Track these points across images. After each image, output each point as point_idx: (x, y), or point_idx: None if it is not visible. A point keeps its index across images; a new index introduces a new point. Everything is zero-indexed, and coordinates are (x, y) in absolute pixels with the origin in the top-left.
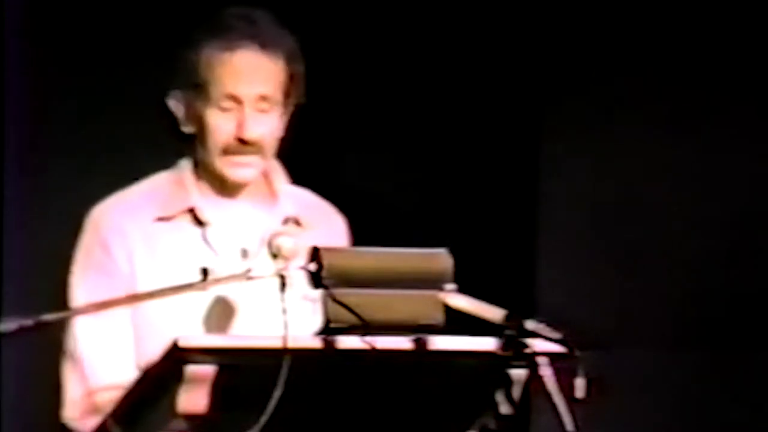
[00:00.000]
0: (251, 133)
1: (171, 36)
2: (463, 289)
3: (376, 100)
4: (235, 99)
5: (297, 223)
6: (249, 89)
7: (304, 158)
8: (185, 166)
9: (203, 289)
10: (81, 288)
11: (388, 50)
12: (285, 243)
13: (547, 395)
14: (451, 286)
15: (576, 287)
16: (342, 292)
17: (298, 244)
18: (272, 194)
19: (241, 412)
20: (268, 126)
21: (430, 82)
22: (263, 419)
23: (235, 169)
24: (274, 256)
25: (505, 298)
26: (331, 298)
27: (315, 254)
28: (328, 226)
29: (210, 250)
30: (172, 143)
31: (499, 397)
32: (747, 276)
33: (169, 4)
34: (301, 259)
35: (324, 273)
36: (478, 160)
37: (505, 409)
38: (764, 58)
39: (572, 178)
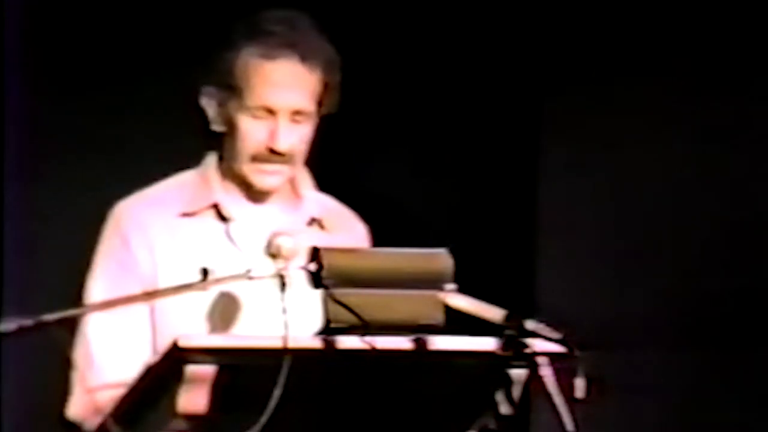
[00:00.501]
0: (283, 145)
1: (173, 38)
2: (463, 289)
3: (374, 101)
4: (270, 110)
5: (321, 226)
6: (284, 102)
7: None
8: (210, 162)
9: (203, 289)
10: (98, 282)
11: (386, 52)
12: (285, 243)
13: (547, 395)
14: (451, 286)
15: (576, 287)
16: (342, 292)
17: (298, 244)
18: (297, 197)
19: (241, 412)
20: (299, 136)
21: (429, 82)
22: (263, 419)
23: (263, 176)
24: (274, 256)
25: (505, 298)
26: (331, 298)
27: (315, 254)
28: (350, 231)
29: (233, 246)
30: (174, 143)
31: (499, 397)
32: (747, 276)
33: (171, 6)
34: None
35: (324, 273)
36: (478, 160)
37: (505, 409)
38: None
39: (572, 179)
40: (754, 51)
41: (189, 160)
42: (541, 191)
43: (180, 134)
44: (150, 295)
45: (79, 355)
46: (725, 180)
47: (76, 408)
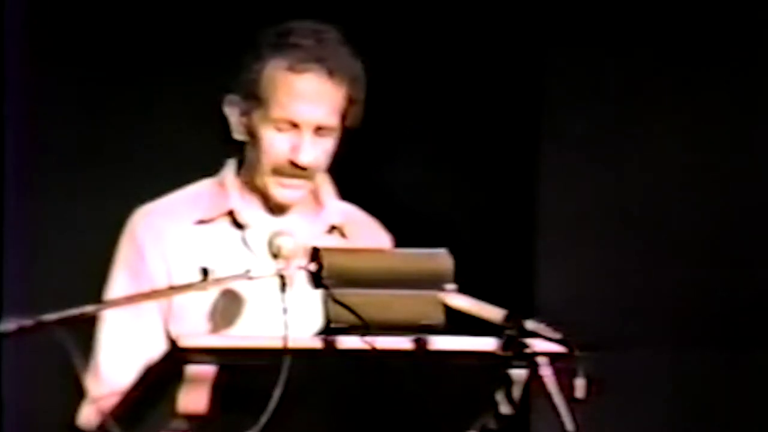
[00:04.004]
0: (306, 159)
1: (182, 44)
2: (463, 289)
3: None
4: (294, 124)
5: (342, 234)
6: (309, 116)
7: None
8: (229, 170)
9: (203, 289)
10: (114, 291)
11: (382, 51)
12: (285, 243)
13: (547, 395)
14: (451, 286)
15: (576, 287)
16: (342, 292)
17: (298, 244)
18: (318, 205)
19: (241, 412)
20: (322, 150)
21: (427, 80)
22: (263, 419)
23: (283, 189)
24: (275, 256)
25: (505, 298)
26: (331, 298)
27: (315, 254)
28: (373, 239)
29: (249, 253)
30: (178, 152)
31: (499, 397)
32: (748, 276)
33: (173, 8)
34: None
35: (324, 273)
36: (478, 160)
37: (505, 409)
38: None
39: (572, 178)
40: (761, 33)
41: (196, 169)
42: (541, 191)
43: (185, 143)
44: (148, 296)
45: (91, 361)
46: (727, 179)
47: (86, 414)
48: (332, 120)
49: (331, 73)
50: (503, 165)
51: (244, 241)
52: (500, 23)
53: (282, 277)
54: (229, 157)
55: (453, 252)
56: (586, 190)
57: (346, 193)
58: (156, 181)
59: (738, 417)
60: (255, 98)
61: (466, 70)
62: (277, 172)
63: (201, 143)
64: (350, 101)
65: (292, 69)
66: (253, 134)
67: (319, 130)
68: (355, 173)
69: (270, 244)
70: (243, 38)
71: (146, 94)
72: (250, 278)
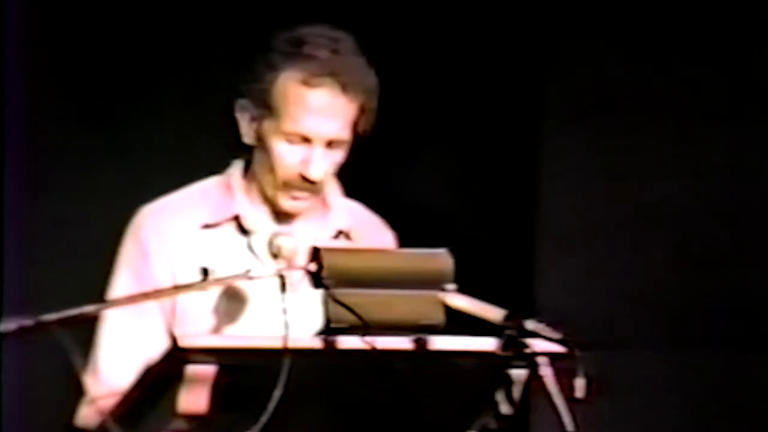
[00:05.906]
0: (316, 174)
1: (180, 39)
2: (463, 289)
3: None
4: (306, 138)
5: (348, 237)
6: (322, 131)
7: None
8: (236, 170)
9: (203, 289)
10: (116, 292)
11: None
12: (285, 243)
13: (547, 395)
14: (451, 286)
15: (576, 287)
16: (342, 292)
17: (298, 244)
18: (325, 206)
19: (241, 412)
20: (333, 161)
21: (430, 82)
22: (263, 419)
23: (292, 201)
24: (275, 256)
25: (505, 298)
26: (331, 298)
27: (315, 254)
28: (377, 240)
29: (255, 259)
30: (179, 151)
31: (499, 397)
32: (748, 276)
33: (176, 7)
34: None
35: (324, 273)
36: (479, 160)
37: (505, 409)
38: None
39: (572, 178)
40: (762, 35)
41: (198, 169)
42: (542, 191)
43: (187, 142)
44: (148, 296)
45: (90, 360)
46: (725, 180)
47: (84, 413)
48: (344, 134)
49: (345, 87)
50: (504, 165)
51: (250, 247)
52: (504, 28)
53: (282, 277)
54: (233, 156)
55: (453, 252)
56: (587, 190)
57: (350, 192)
58: (157, 181)
59: (738, 417)
60: (266, 107)
61: (468, 73)
62: (287, 184)
63: (204, 143)
64: (362, 110)
65: (305, 83)
66: (262, 141)
67: (330, 143)
68: (359, 173)
69: (270, 244)
70: (250, 39)
71: (148, 93)
72: (250, 278)
